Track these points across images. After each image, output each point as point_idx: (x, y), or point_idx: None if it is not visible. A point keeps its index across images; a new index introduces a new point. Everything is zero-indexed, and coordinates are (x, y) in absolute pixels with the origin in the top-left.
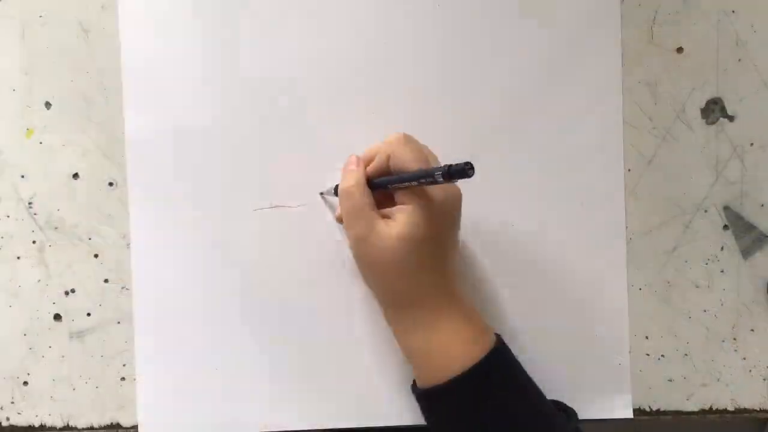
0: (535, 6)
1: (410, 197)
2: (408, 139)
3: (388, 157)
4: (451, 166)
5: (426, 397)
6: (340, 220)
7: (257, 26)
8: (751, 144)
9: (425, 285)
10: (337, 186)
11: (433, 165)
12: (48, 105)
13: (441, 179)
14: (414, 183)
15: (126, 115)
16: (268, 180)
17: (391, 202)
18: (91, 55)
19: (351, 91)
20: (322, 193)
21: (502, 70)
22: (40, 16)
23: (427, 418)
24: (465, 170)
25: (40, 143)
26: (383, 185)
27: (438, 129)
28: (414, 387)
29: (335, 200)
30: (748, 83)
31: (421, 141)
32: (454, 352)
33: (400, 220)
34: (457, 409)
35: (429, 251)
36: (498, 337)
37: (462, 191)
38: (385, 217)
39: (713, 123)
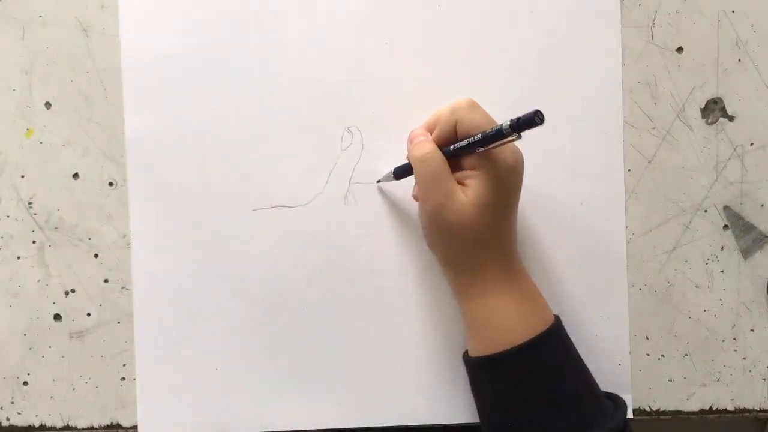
0: (535, 6)
1: (480, 162)
2: (475, 104)
3: (455, 124)
4: (519, 117)
5: (480, 365)
6: (416, 196)
7: (257, 26)
8: (751, 144)
9: (492, 248)
10: (394, 170)
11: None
12: (48, 105)
13: (510, 132)
14: (480, 148)
15: (126, 115)
16: (268, 180)
17: (456, 169)
18: (91, 55)
19: (352, 90)
20: (379, 181)
21: (502, 71)
22: (40, 16)
23: (476, 388)
24: (533, 119)
25: (40, 143)
26: (455, 153)
27: None
28: (466, 356)
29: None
30: (748, 83)
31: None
32: (515, 322)
33: (474, 186)
34: (510, 380)
35: (498, 214)
36: (557, 317)
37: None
38: (458, 183)
39: (713, 123)
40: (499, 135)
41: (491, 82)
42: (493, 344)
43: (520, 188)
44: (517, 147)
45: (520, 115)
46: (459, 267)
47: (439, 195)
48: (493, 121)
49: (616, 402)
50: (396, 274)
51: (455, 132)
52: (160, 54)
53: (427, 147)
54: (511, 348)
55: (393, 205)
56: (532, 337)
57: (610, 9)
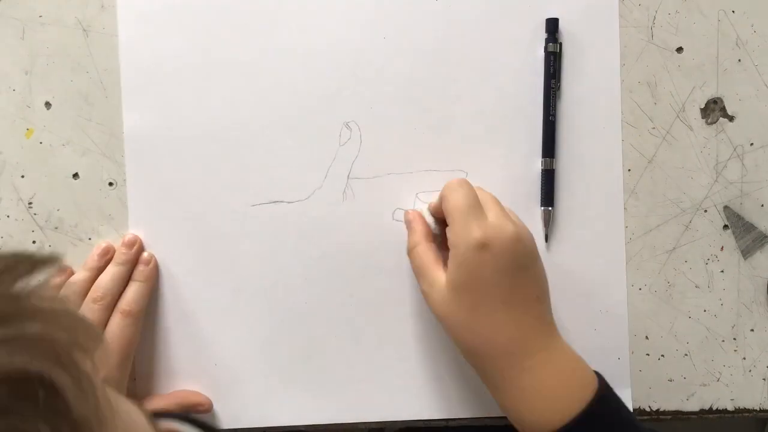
0: (533, 5)
1: (450, 241)
2: (460, 184)
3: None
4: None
5: None
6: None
7: (254, 22)
8: (751, 144)
9: (494, 336)
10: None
11: (491, 208)
12: (48, 105)
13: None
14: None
15: (125, 114)
16: (266, 176)
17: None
18: (91, 55)
19: (350, 85)
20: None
21: (500, 70)
22: (40, 16)
23: None
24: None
25: (40, 143)
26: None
27: (434, 128)
28: None
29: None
30: (748, 83)
31: (419, 140)
32: (550, 405)
33: (448, 266)
34: None
35: (477, 296)
36: (599, 376)
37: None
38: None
39: (713, 123)
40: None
41: (489, 81)
42: (535, 424)
43: (508, 265)
44: (501, 223)
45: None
46: (472, 360)
47: (424, 285)
48: (474, 202)
49: None
50: (395, 269)
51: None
52: (158, 52)
53: (414, 239)
54: (560, 429)
55: (392, 200)
56: (579, 412)
57: (608, 8)
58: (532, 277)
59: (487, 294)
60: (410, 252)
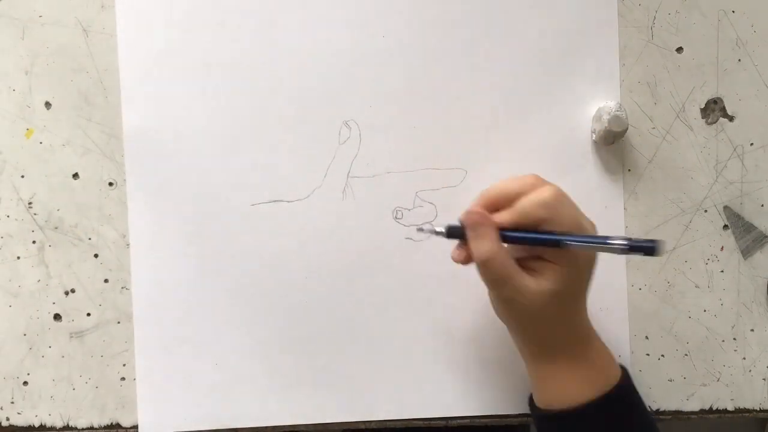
0: (532, 5)
1: (559, 255)
2: (565, 200)
3: (540, 221)
4: (636, 243)
5: (548, 418)
6: (461, 261)
7: (254, 21)
8: (751, 144)
9: (567, 332)
10: (449, 228)
11: (585, 223)
12: (48, 105)
13: (620, 249)
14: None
15: (124, 114)
16: (266, 175)
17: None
18: (91, 55)
19: (349, 84)
20: (420, 230)
21: (499, 69)
22: (40, 16)
23: None
24: (651, 248)
25: (40, 143)
26: (537, 243)
27: (434, 127)
28: (532, 404)
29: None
30: (748, 83)
31: (418, 139)
32: (583, 381)
33: (551, 278)
34: None
35: (572, 301)
36: (624, 371)
37: (458, 192)
38: (529, 269)
39: (713, 123)
40: (604, 247)
41: (488, 80)
42: (559, 400)
43: (593, 273)
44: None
45: (636, 237)
46: (528, 337)
47: (507, 292)
48: (579, 219)
49: None
50: (394, 267)
51: (536, 225)
52: (156, 51)
53: (488, 247)
54: (580, 405)
55: (391, 198)
56: (600, 395)
57: (608, 9)
58: None
59: (581, 296)
60: (485, 262)
